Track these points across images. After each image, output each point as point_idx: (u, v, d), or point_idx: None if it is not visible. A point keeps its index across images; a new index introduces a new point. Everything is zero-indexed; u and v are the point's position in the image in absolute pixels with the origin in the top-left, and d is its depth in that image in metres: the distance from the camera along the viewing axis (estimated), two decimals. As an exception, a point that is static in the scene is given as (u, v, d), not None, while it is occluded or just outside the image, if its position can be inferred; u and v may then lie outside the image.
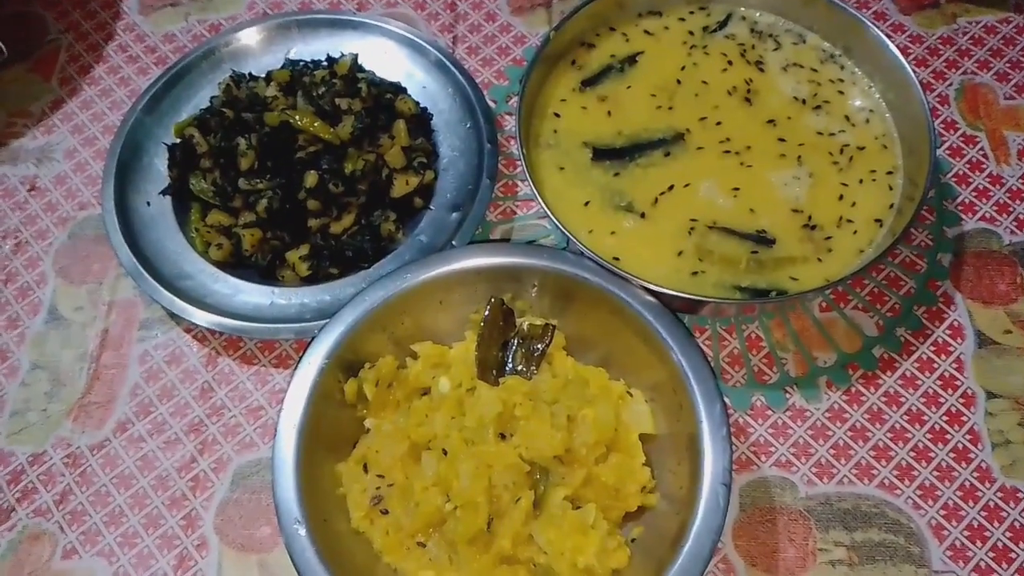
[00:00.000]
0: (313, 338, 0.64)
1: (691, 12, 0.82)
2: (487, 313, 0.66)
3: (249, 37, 0.87)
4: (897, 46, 0.73)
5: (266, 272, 0.74)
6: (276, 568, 0.64)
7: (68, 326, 0.76)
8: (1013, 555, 0.63)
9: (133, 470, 0.69)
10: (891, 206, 0.70)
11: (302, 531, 0.56)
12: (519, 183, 0.82)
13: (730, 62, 0.78)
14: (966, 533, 0.63)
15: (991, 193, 0.78)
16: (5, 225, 0.83)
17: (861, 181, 0.71)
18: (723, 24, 0.81)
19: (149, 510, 0.67)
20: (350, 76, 0.80)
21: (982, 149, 0.80)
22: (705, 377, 0.60)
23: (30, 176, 0.86)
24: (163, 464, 0.69)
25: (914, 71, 0.72)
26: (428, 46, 0.84)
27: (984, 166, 0.80)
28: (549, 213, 0.67)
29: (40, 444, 0.71)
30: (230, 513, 0.67)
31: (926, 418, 0.68)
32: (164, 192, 0.78)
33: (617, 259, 0.68)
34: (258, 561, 0.65)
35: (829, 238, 0.69)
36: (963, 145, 0.81)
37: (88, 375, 0.74)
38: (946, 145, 0.81)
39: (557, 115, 0.76)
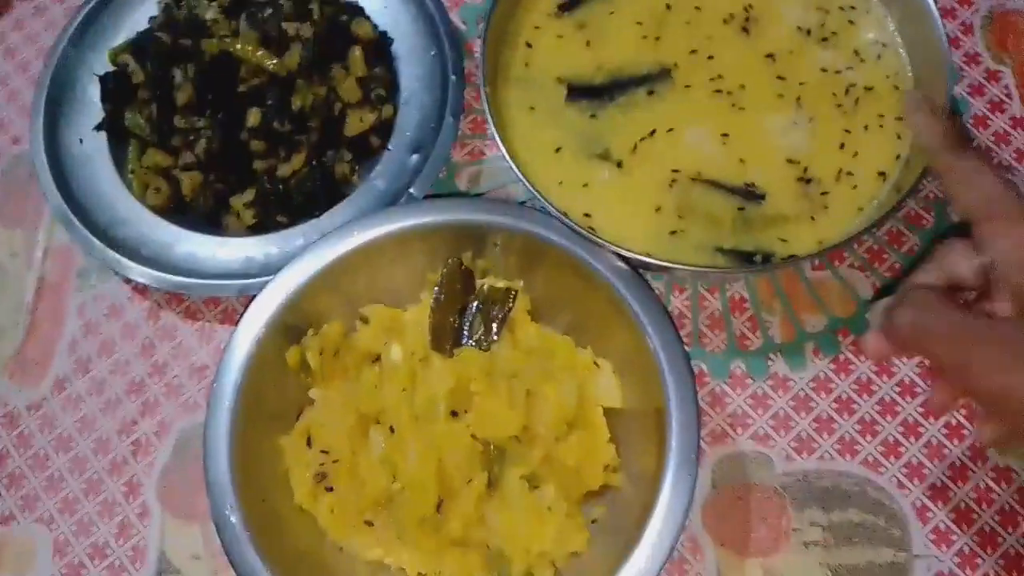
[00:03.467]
0: (252, 298, 0.59)
1: (687, -77, 0.71)
2: (443, 276, 0.60)
3: (191, -53, 0.77)
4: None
5: (210, 219, 0.68)
6: (220, 539, 0.61)
7: (3, 274, 0.71)
8: (999, 539, 0.59)
9: (72, 432, 0.65)
10: (898, 157, 0.63)
11: (234, 518, 0.52)
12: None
13: (728, -17, 0.69)
14: (952, 516, 0.59)
15: (1011, 138, 0.70)
16: (-72, 159, 0.76)
17: (866, 127, 0.64)
18: (723, -63, 0.71)
19: (89, 475, 0.64)
20: (300, -5, 0.71)
21: (1006, 87, 0.72)
22: (673, 345, 0.55)
23: (-45, 104, 0.79)
24: (103, 426, 0.65)
25: (935, -5, 0.63)
26: (389, -45, 0.75)
27: (1006, 107, 0.71)
28: (511, 163, 0.60)
29: (-25, 403, 0.67)
30: (172, 480, 0.63)
31: (919, 390, 0.63)
32: (98, 127, 0.71)
33: (588, 215, 0.61)
34: (201, 531, 0.62)
35: (826, 193, 0.62)
36: (985, 82, 0.72)
37: (25, 328, 0.69)
38: (965, 82, 0.72)
39: (529, 45, 0.68)
